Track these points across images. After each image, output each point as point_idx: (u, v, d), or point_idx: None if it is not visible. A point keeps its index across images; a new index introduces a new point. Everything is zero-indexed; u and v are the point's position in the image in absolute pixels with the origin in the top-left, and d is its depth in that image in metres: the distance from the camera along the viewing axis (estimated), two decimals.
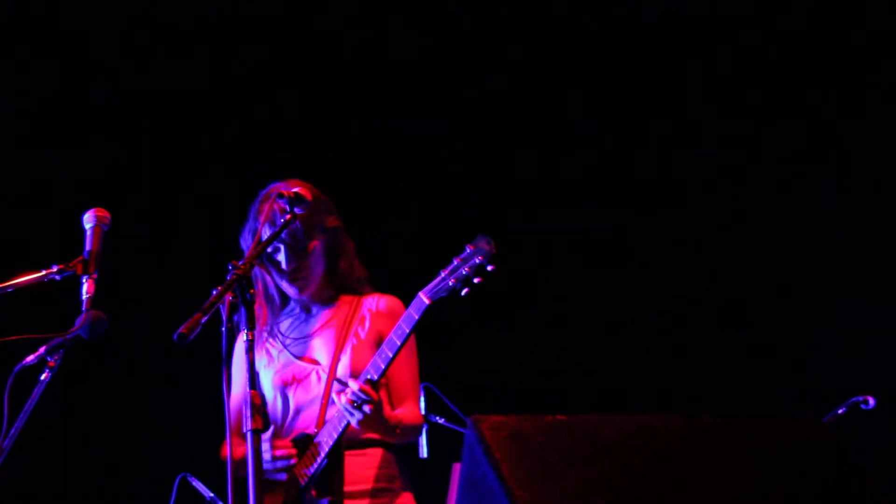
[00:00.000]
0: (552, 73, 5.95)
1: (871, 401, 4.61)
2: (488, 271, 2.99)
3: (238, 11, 5.73)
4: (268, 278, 3.47)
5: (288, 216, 3.20)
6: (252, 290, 2.82)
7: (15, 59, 5.56)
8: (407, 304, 3.24)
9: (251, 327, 2.80)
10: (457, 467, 4.85)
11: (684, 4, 5.82)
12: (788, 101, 5.78)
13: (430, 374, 4.16)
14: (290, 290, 3.45)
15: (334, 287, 3.50)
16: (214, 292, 2.75)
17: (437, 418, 4.90)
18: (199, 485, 4.29)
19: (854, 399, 4.63)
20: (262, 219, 3.25)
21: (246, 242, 3.47)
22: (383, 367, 3.14)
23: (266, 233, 3.22)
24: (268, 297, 3.51)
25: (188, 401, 5.17)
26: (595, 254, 5.95)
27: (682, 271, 5.89)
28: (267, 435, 3.28)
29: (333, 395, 3.24)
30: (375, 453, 3.37)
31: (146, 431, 5.53)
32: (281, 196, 3.20)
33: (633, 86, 5.91)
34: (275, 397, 3.45)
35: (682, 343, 5.86)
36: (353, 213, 3.63)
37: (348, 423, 3.18)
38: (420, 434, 3.53)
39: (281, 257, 3.40)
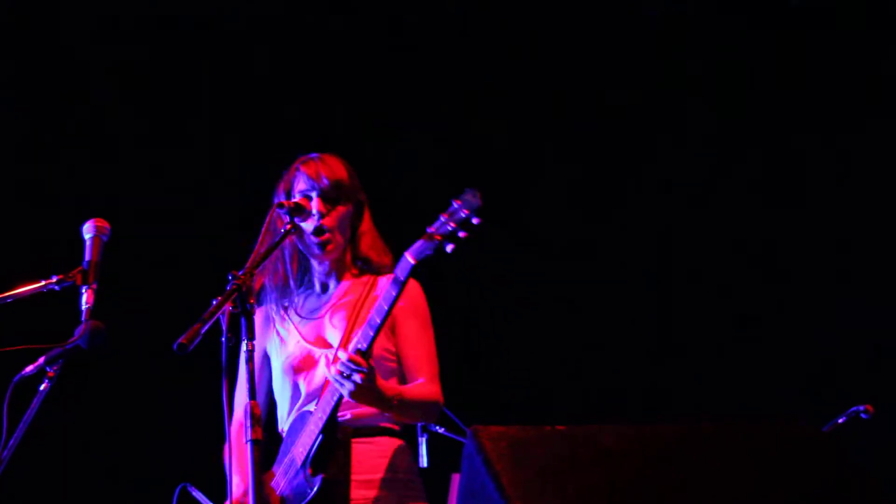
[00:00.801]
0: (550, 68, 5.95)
1: (872, 410, 4.61)
2: (474, 224, 2.86)
3: None
4: (287, 252, 3.39)
5: (288, 226, 3.23)
6: (252, 300, 2.82)
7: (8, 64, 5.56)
8: (423, 287, 3.18)
9: (251, 337, 2.80)
10: (456, 478, 4.85)
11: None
12: (788, 100, 5.78)
13: None
14: (314, 248, 3.33)
15: (356, 265, 3.43)
16: (214, 302, 2.76)
17: (437, 428, 4.89)
18: (199, 495, 4.28)
19: (854, 408, 4.63)
20: (262, 229, 3.25)
21: (278, 198, 3.40)
22: (372, 334, 3.03)
23: (265, 244, 3.21)
24: (284, 272, 3.43)
25: (188, 410, 5.17)
26: (594, 258, 5.94)
27: (681, 274, 5.88)
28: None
29: (323, 367, 3.15)
30: (385, 442, 3.28)
31: (146, 441, 5.53)
32: (281, 206, 3.23)
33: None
34: (284, 382, 3.38)
35: (682, 347, 5.85)
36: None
37: (341, 397, 3.08)
38: (435, 412, 3.35)
39: (313, 205, 3.32)
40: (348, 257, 3.44)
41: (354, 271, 3.43)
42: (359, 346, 3.03)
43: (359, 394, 3.03)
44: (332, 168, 3.37)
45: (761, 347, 5.76)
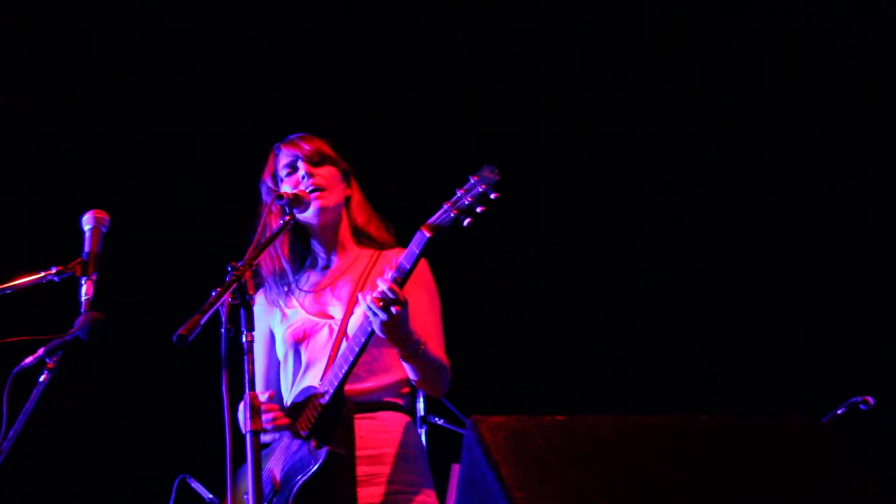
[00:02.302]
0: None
1: (871, 401, 4.61)
2: (492, 199, 2.88)
3: None
4: (279, 239, 3.38)
5: (287, 217, 3.23)
6: (251, 292, 2.81)
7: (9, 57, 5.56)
8: (428, 259, 3.15)
9: (250, 328, 2.79)
10: (456, 468, 4.86)
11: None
12: (787, 101, 5.79)
13: None
14: (310, 205, 3.29)
15: (359, 239, 3.44)
16: (214, 293, 2.75)
17: (436, 419, 4.90)
18: (198, 486, 4.29)
19: (853, 399, 4.63)
20: (259, 220, 3.24)
21: (265, 187, 3.44)
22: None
23: (263, 237, 3.21)
24: (279, 259, 3.42)
25: (188, 402, 5.18)
26: (593, 252, 5.95)
27: (680, 271, 5.89)
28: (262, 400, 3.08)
29: (359, 295, 3.06)
30: (389, 416, 3.26)
31: (145, 432, 5.54)
32: (280, 198, 3.23)
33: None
34: (286, 353, 3.37)
35: (681, 343, 5.87)
36: (360, 156, 3.56)
37: (349, 371, 3.06)
38: (445, 382, 3.27)
39: (300, 168, 3.34)
40: (347, 230, 3.45)
41: (356, 244, 3.45)
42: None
43: (390, 326, 2.98)
44: (313, 140, 3.42)
45: (760, 347, 5.77)
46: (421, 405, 4.91)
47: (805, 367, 5.64)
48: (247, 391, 2.75)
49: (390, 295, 2.94)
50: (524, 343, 5.94)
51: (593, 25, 5.86)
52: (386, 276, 2.98)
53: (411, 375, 3.23)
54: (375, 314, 2.96)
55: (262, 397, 3.08)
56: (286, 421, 3.17)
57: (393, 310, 2.95)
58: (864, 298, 5.60)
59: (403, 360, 3.15)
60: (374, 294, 2.95)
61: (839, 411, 4.63)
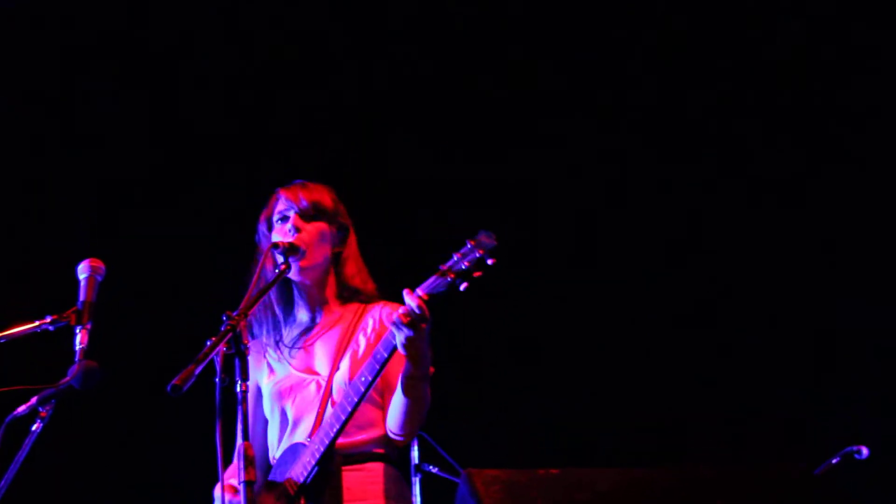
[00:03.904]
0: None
1: (865, 451, 4.60)
2: (489, 265, 2.89)
3: None
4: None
5: (282, 266, 3.24)
6: (246, 342, 2.81)
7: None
8: None
9: (245, 378, 2.79)
10: None
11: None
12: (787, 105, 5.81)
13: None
14: (292, 265, 3.28)
15: (342, 295, 3.43)
16: (208, 343, 2.75)
17: (431, 468, 4.88)
18: None
19: (848, 448, 4.62)
20: (256, 268, 3.25)
21: (261, 230, 3.44)
22: (378, 367, 3.03)
23: (259, 286, 3.21)
24: (269, 307, 3.43)
25: (182, 451, 5.14)
26: (589, 306, 5.95)
27: (674, 295, 5.89)
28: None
29: (313, 391, 3.11)
30: (376, 468, 3.25)
31: (139, 481, 5.50)
32: (276, 246, 3.23)
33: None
34: (272, 409, 3.36)
35: (673, 389, 5.86)
36: (352, 212, 3.54)
37: (340, 429, 3.06)
38: (424, 418, 3.26)
39: (290, 221, 3.33)
40: (333, 286, 3.43)
41: (341, 301, 3.42)
42: (372, 367, 3.02)
43: (414, 341, 2.98)
44: (313, 191, 3.40)
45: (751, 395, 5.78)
46: (415, 454, 4.90)
47: (806, 367, 5.63)
48: (240, 441, 2.75)
49: (418, 311, 2.94)
50: (521, 393, 5.92)
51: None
52: (416, 293, 2.97)
53: (401, 405, 3.18)
54: (401, 328, 2.96)
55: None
56: None
57: (420, 325, 2.96)
58: (864, 298, 5.58)
59: (408, 380, 3.12)
60: (402, 310, 2.96)
61: (834, 461, 4.62)
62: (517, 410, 5.88)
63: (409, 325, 2.95)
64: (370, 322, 3.36)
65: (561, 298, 5.95)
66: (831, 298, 5.63)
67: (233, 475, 3.08)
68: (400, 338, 2.98)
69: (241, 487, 2.70)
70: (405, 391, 3.14)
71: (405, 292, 2.98)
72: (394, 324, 2.98)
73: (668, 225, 5.92)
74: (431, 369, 3.16)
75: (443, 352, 3.34)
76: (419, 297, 2.95)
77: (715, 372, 5.74)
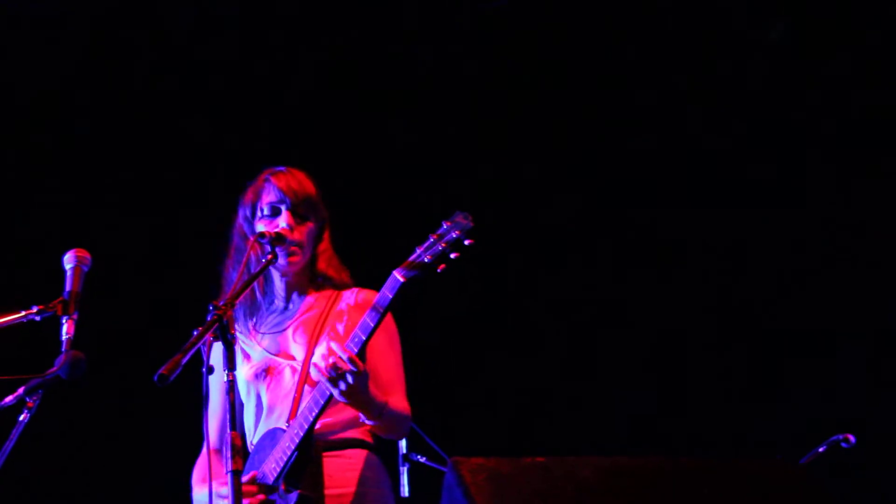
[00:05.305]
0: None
1: (852, 439, 4.62)
2: (466, 246, 2.89)
3: None
4: (252, 268, 3.33)
5: (269, 256, 3.23)
6: (233, 331, 2.81)
7: None
8: (408, 315, 3.18)
9: (232, 368, 2.79)
10: None
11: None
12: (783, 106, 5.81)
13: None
14: (281, 260, 3.30)
15: (315, 281, 3.43)
16: (195, 333, 2.75)
17: (419, 457, 4.88)
18: None
19: (834, 437, 4.64)
20: (243, 259, 3.26)
21: (243, 213, 3.42)
22: (356, 350, 3.00)
23: (245, 275, 3.22)
24: (251, 293, 3.42)
25: (170, 440, 5.14)
26: (579, 296, 5.96)
27: (665, 304, 5.90)
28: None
29: (311, 367, 3.10)
30: (356, 454, 3.25)
31: (127, 471, 5.50)
32: (262, 236, 3.23)
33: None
34: (248, 394, 3.36)
35: (665, 379, 5.87)
36: (329, 193, 3.53)
37: (319, 414, 3.05)
38: (406, 427, 3.34)
39: (282, 218, 3.32)
40: (308, 274, 3.43)
41: (314, 287, 3.43)
42: (350, 347, 3.00)
43: (350, 394, 2.98)
44: (303, 184, 3.39)
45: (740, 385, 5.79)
46: (403, 443, 4.90)
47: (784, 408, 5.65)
48: (227, 431, 2.75)
49: (349, 365, 2.93)
50: (507, 380, 5.93)
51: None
52: (347, 344, 2.98)
53: (373, 428, 3.25)
54: (334, 385, 2.96)
55: (245, 478, 3.07)
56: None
57: (350, 379, 2.95)
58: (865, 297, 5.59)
59: (369, 424, 3.17)
60: (330, 361, 2.94)
61: (820, 450, 4.64)
62: (504, 399, 5.89)
63: (342, 378, 2.95)
64: (345, 308, 3.37)
65: (549, 286, 5.96)
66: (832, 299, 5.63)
67: (205, 466, 3.10)
68: (335, 392, 2.99)
69: (228, 476, 2.71)
70: (373, 427, 3.20)
71: (335, 345, 2.95)
72: (327, 379, 2.96)
73: (661, 224, 5.94)
74: (387, 399, 3.16)
75: (430, 340, 3.35)
76: (348, 348, 2.95)
77: (693, 411, 5.75)
